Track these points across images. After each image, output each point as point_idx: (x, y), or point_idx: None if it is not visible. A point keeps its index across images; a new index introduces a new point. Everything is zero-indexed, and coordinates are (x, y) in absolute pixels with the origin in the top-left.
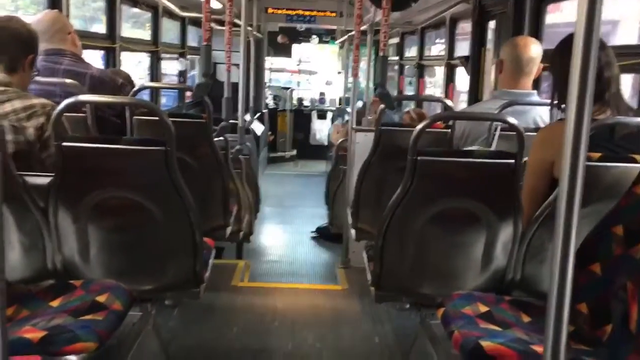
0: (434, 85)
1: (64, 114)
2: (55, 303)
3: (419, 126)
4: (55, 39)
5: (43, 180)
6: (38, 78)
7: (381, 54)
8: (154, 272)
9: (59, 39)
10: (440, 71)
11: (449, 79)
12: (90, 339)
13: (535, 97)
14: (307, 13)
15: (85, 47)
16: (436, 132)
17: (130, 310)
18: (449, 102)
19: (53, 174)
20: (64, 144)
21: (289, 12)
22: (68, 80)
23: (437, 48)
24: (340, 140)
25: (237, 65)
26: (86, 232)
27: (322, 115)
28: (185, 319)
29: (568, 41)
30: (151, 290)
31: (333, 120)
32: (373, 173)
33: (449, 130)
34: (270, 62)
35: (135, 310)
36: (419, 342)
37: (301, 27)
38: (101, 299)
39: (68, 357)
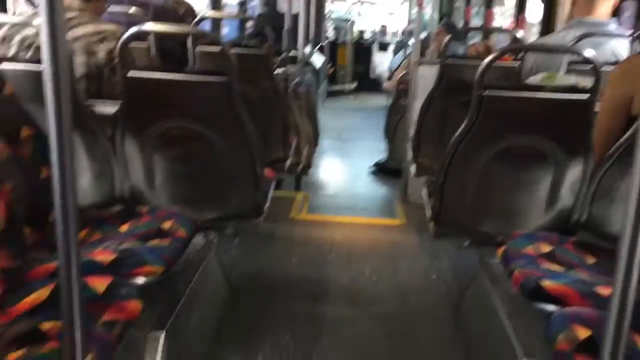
0: (503, 16)
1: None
2: (124, 228)
3: (487, 59)
4: None
5: (110, 109)
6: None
7: None
8: (216, 202)
9: None
10: (510, 1)
11: (520, 8)
12: (157, 263)
13: (612, 27)
14: None
15: None
16: (504, 65)
17: (194, 237)
18: (518, 34)
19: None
20: (129, 74)
21: None
22: (132, 9)
23: None
24: (401, 74)
25: None
26: (151, 161)
27: (383, 48)
28: (245, 248)
29: None
30: (213, 219)
31: (395, 53)
32: (436, 107)
33: (518, 63)
34: None
35: (198, 238)
36: (478, 280)
37: None
38: (166, 225)
39: (136, 279)
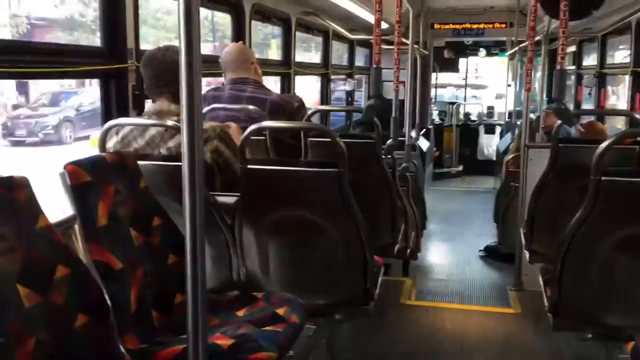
0: (616, 95)
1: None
2: (240, 313)
3: (604, 144)
4: (240, 69)
5: (230, 199)
6: (226, 105)
7: (559, 67)
8: (327, 288)
9: (244, 68)
10: (624, 80)
11: (635, 88)
12: (272, 349)
13: None
14: (474, 26)
15: (263, 73)
16: (623, 148)
17: (306, 323)
18: (637, 116)
19: (237, 194)
20: (249, 166)
21: (456, 26)
22: (251, 107)
23: (620, 55)
24: (511, 157)
25: (404, 82)
26: (267, 248)
27: (490, 130)
28: (354, 334)
29: None
30: (324, 305)
31: (501, 135)
32: (549, 192)
33: (638, 147)
34: (436, 76)
35: (310, 323)
36: None
37: (468, 40)
38: (281, 311)
39: None
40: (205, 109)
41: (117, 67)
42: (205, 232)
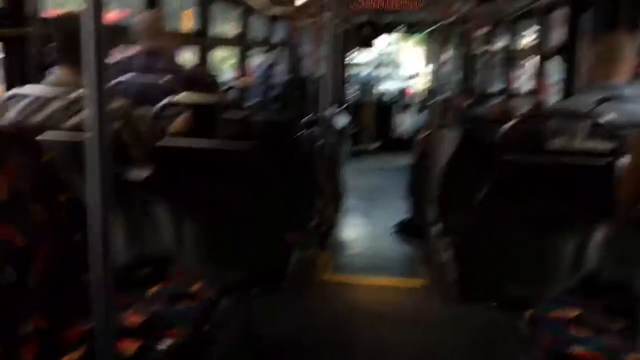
0: (524, 76)
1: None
2: (153, 290)
3: (507, 125)
4: (154, 39)
5: (141, 174)
6: (137, 76)
7: (469, 48)
8: (242, 263)
9: (158, 39)
10: (531, 62)
11: (541, 71)
12: (186, 325)
13: (632, 91)
14: (393, 5)
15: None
16: (525, 129)
17: (221, 299)
18: (540, 98)
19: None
20: (159, 143)
21: (375, 5)
22: (164, 79)
23: (528, 38)
24: (424, 134)
25: (323, 58)
26: (181, 223)
27: (405, 108)
28: (270, 309)
29: None
30: (240, 281)
31: (418, 112)
32: (458, 169)
33: (539, 129)
34: (354, 55)
35: (225, 300)
36: (505, 344)
37: (387, 18)
38: (195, 287)
39: (165, 341)
40: (113, 81)
41: (16, 32)
42: (117, 207)
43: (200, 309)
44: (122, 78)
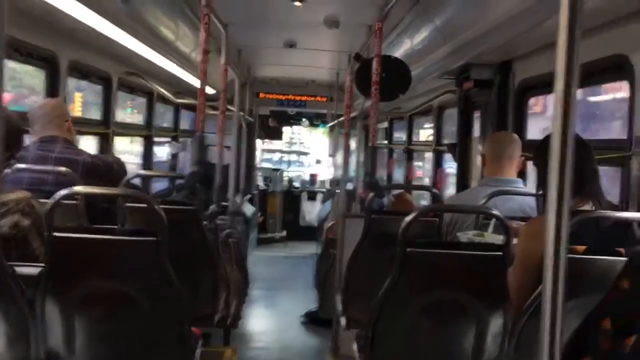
0: (423, 168)
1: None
2: None
3: (408, 217)
4: (51, 125)
5: (32, 270)
6: (31, 166)
7: (370, 144)
8: None
9: (56, 124)
10: (429, 155)
11: (437, 164)
12: None
13: (520, 185)
14: (297, 98)
15: (80, 133)
16: (425, 220)
17: None
18: (436, 192)
19: (42, 265)
20: (56, 234)
21: (280, 96)
22: (61, 169)
23: (426, 133)
24: (330, 224)
25: (229, 147)
26: (73, 323)
27: (312, 197)
28: None
29: (548, 140)
30: None
31: (323, 202)
32: (363, 260)
33: (437, 219)
34: (262, 143)
35: None
36: None
37: (292, 110)
38: None
39: None
40: (6, 170)
41: None
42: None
43: None
44: (17, 166)
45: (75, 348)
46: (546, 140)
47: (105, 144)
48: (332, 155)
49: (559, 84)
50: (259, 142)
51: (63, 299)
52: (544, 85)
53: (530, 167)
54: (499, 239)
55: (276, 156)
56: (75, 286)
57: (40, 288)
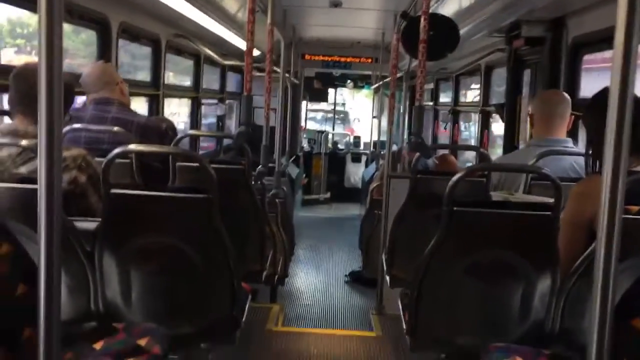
0: (469, 130)
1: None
2: (98, 345)
3: (455, 177)
4: (104, 89)
5: (90, 224)
6: (88, 126)
7: (417, 103)
8: (192, 316)
9: (108, 89)
10: (476, 116)
11: (484, 125)
12: None
13: (570, 144)
14: (342, 59)
15: (131, 94)
16: (472, 180)
17: (169, 353)
18: (484, 152)
19: (99, 220)
20: (112, 191)
21: (325, 58)
22: (116, 128)
23: (472, 93)
24: (374, 185)
25: (275, 109)
26: (128, 276)
27: (356, 159)
28: None
29: (599, 98)
30: (189, 334)
31: (367, 164)
32: (408, 220)
33: (484, 179)
34: (306, 105)
35: (174, 353)
36: None
37: (337, 72)
38: (142, 342)
39: None
40: (65, 129)
41: None
42: (62, 259)
43: None
44: (74, 126)
45: (132, 300)
46: (597, 98)
47: (156, 105)
48: (377, 117)
49: (619, 36)
50: (304, 105)
51: (119, 253)
52: (598, 41)
53: (582, 126)
54: (529, 198)
55: (322, 120)
56: (130, 241)
57: (98, 242)
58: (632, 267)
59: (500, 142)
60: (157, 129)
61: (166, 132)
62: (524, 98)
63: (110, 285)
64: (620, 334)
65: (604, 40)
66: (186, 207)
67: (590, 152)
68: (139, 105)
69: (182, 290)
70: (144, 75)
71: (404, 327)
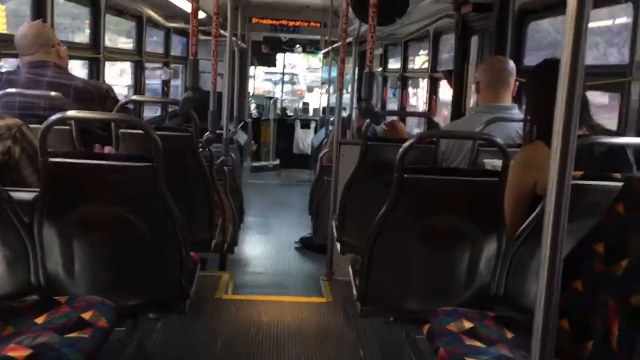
0: (417, 96)
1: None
2: (40, 320)
3: (406, 144)
4: (39, 51)
5: (27, 195)
6: (23, 90)
7: (367, 69)
8: (139, 287)
9: (43, 51)
10: (423, 82)
11: (432, 91)
12: (77, 358)
13: (516, 111)
14: (291, 23)
15: (69, 57)
16: (421, 147)
17: (115, 326)
18: (433, 118)
19: (37, 190)
20: (50, 159)
21: (273, 22)
22: (53, 93)
23: (420, 60)
24: (324, 152)
25: (222, 75)
26: (71, 247)
27: (305, 125)
28: (169, 332)
29: (542, 67)
30: (137, 306)
31: (316, 130)
32: (359, 186)
33: (433, 145)
34: (254, 70)
35: (120, 325)
36: (405, 357)
37: (285, 37)
38: (86, 315)
39: None
40: None
41: None
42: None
43: (93, 339)
44: (7, 91)
45: (74, 272)
46: (538, 68)
47: (96, 69)
48: (326, 82)
49: (571, 3)
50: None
51: (60, 223)
52: (544, 9)
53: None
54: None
55: (271, 84)
56: (72, 211)
57: (37, 213)
58: (574, 230)
59: (448, 109)
60: (97, 92)
61: (106, 96)
62: (472, 65)
63: (51, 257)
64: (561, 296)
65: (549, 8)
66: (131, 175)
67: (529, 117)
68: (79, 72)
69: (129, 261)
70: (83, 37)
71: (355, 293)
